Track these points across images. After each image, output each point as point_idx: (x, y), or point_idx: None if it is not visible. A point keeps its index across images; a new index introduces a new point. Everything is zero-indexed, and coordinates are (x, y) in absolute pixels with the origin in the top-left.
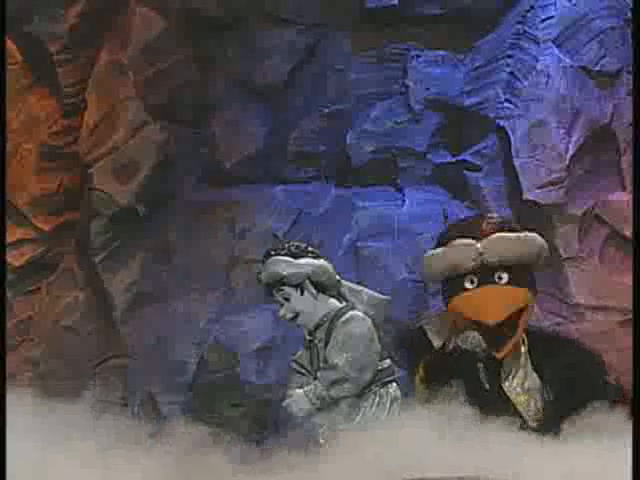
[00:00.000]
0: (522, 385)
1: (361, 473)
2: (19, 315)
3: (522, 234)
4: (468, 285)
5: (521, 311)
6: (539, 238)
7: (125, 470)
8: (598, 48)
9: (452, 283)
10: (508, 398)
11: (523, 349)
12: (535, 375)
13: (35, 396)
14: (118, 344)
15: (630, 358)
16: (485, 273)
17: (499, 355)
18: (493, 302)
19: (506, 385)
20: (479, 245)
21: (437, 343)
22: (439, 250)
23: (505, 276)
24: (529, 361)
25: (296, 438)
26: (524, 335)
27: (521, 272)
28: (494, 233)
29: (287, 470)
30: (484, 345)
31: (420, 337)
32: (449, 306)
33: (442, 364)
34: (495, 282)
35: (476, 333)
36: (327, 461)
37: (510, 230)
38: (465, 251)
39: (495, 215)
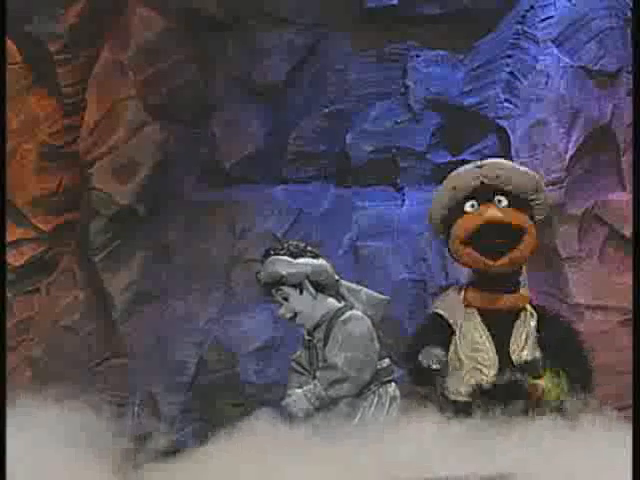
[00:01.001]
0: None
1: (361, 473)
2: (19, 315)
3: (520, 166)
4: (469, 209)
5: (522, 232)
6: (535, 174)
7: (125, 470)
8: (598, 48)
9: (454, 210)
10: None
11: (532, 323)
12: (538, 351)
13: (35, 396)
14: (118, 344)
15: (630, 358)
16: (484, 195)
17: (494, 263)
18: (494, 211)
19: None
20: (479, 162)
21: (453, 320)
22: (443, 182)
23: (504, 200)
24: (535, 337)
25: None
26: (533, 310)
27: (521, 199)
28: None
29: (287, 469)
30: (443, 364)
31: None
32: (452, 235)
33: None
34: (495, 204)
35: (439, 350)
36: (327, 461)
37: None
38: (465, 171)
39: None
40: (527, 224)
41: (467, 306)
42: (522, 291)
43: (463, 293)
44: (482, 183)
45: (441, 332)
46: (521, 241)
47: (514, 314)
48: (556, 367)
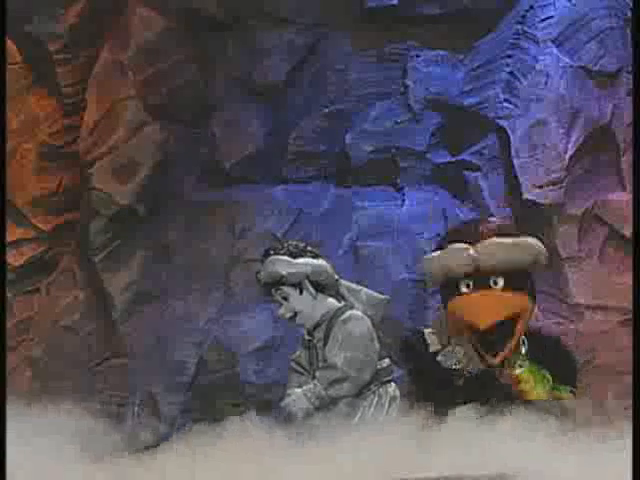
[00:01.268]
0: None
1: (360, 472)
2: (19, 315)
3: (519, 239)
4: (464, 289)
5: (518, 316)
6: (537, 243)
7: (125, 470)
8: (598, 48)
9: (449, 287)
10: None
11: (523, 350)
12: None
13: (35, 396)
14: (118, 344)
15: (630, 358)
16: (480, 277)
17: (495, 360)
18: (485, 307)
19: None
20: (472, 251)
21: (435, 347)
22: (435, 254)
23: (501, 281)
24: (527, 361)
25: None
26: (524, 336)
27: (518, 277)
28: (491, 237)
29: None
30: (465, 362)
31: (419, 341)
32: (448, 309)
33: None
34: (490, 287)
35: (459, 348)
36: (327, 460)
37: (508, 234)
38: (459, 255)
39: (494, 219)
40: (521, 307)
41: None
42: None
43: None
44: (478, 267)
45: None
46: (516, 326)
47: None
48: (534, 361)
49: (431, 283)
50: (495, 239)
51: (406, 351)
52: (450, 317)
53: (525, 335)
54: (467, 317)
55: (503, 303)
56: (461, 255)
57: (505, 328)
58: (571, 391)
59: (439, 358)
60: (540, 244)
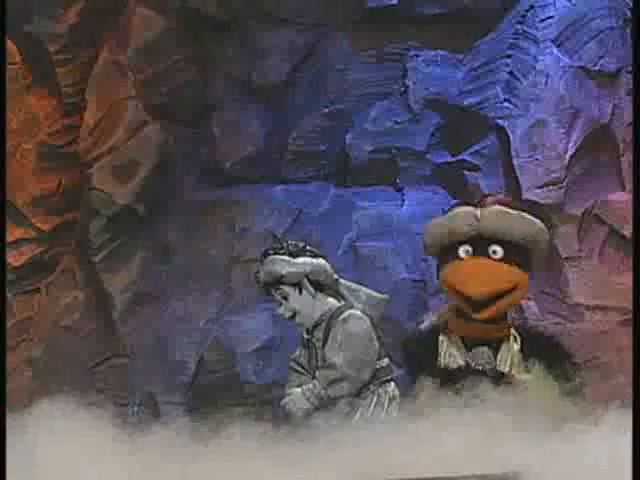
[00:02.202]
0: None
1: (360, 472)
2: (19, 315)
3: (523, 213)
4: (462, 254)
5: (513, 290)
6: (540, 223)
7: (125, 469)
8: (597, 48)
9: (447, 252)
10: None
11: (516, 347)
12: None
13: (35, 396)
14: (118, 344)
15: (630, 358)
16: (480, 244)
17: (477, 316)
18: (482, 275)
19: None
20: (478, 212)
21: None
22: (440, 217)
23: (500, 250)
24: (521, 360)
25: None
26: (516, 333)
27: (517, 250)
28: (495, 205)
29: (285, 468)
30: (494, 362)
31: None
32: (441, 275)
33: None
34: (489, 255)
35: (486, 348)
36: (327, 460)
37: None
38: (463, 216)
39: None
40: (516, 282)
41: (450, 332)
42: (505, 322)
43: (444, 319)
44: (479, 233)
45: (428, 356)
46: (509, 295)
47: (498, 341)
48: (542, 367)
49: (431, 250)
50: (500, 207)
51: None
52: (444, 281)
53: (524, 336)
54: (462, 283)
55: (500, 273)
56: (466, 216)
57: (497, 300)
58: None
59: (469, 359)
60: (543, 225)
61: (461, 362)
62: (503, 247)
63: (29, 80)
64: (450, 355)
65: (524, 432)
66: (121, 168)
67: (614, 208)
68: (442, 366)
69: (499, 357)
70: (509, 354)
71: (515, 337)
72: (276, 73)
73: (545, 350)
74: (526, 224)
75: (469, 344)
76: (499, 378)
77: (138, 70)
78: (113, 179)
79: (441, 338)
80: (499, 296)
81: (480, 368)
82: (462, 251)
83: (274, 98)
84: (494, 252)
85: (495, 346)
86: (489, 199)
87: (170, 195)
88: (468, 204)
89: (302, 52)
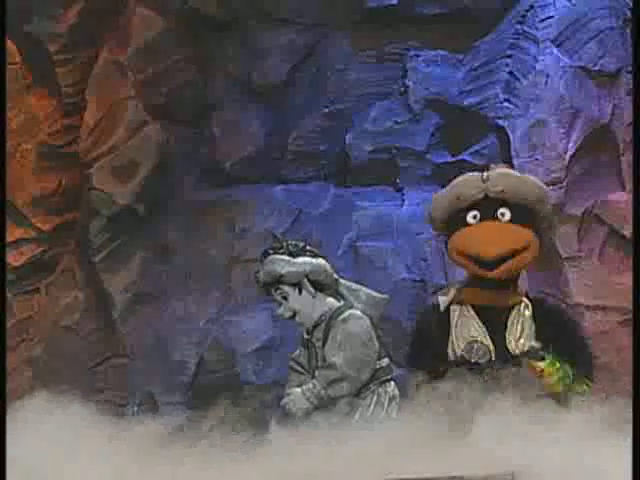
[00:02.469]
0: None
1: (360, 472)
2: (19, 315)
3: (526, 176)
4: (470, 220)
5: (524, 250)
6: (543, 185)
7: (124, 469)
8: (597, 48)
9: (455, 219)
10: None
11: (527, 313)
12: (534, 341)
13: (35, 396)
14: (118, 344)
15: (630, 358)
16: (487, 208)
17: (491, 274)
18: (493, 236)
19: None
20: (484, 174)
21: (444, 305)
22: (446, 187)
23: (507, 213)
24: (532, 326)
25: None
26: (528, 301)
27: (524, 211)
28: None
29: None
30: (489, 356)
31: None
32: (449, 244)
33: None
34: (497, 218)
35: (481, 344)
36: (326, 460)
37: None
38: (469, 180)
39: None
40: (526, 242)
41: (462, 303)
42: (518, 290)
43: (460, 292)
44: (486, 195)
45: (441, 328)
46: (519, 256)
47: (509, 308)
48: (556, 354)
49: (438, 223)
50: (505, 169)
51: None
52: (455, 248)
53: (534, 306)
54: (474, 247)
55: (510, 234)
56: (472, 180)
57: (506, 257)
58: (587, 384)
59: (463, 352)
60: (544, 186)
61: (474, 333)
62: (510, 210)
63: (29, 80)
64: (462, 324)
65: (525, 432)
66: (121, 168)
67: (614, 208)
68: (454, 339)
69: (509, 323)
70: (519, 320)
71: (527, 305)
72: (276, 73)
73: (557, 322)
74: (531, 184)
75: (482, 315)
76: (507, 360)
77: (138, 70)
78: (113, 179)
79: (453, 307)
80: (512, 255)
81: (476, 361)
82: (470, 217)
83: (274, 98)
84: (502, 214)
85: (506, 315)
86: (492, 165)
87: (170, 195)
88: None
89: (302, 52)
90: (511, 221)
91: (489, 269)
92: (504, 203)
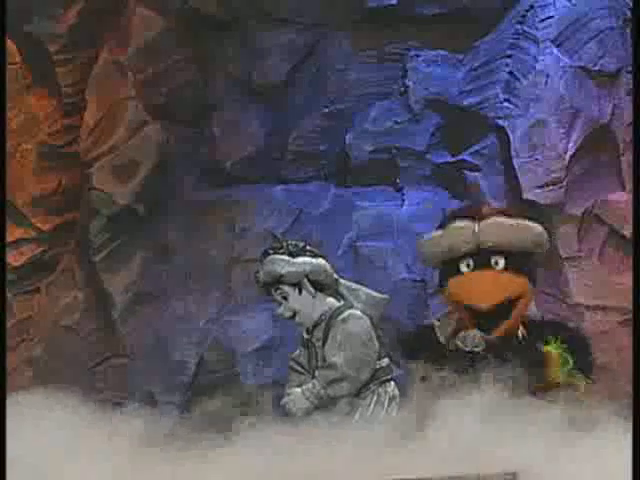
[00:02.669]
0: None
1: (360, 472)
2: (19, 315)
3: (520, 221)
4: (464, 269)
5: (518, 298)
6: (538, 227)
7: (124, 469)
8: (597, 48)
9: (448, 267)
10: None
11: (519, 333)
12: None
13: (35, 396)
14: (118, 344)
15: (630, 358)
16: (481, 257)
17: (487, 338)
18: (487, 286)
19: None
20: (475, 226)
21: (443, 340)
22: (436, 233)
23: (502, 261)
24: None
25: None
26: (522, 326)
27: (519, 258)
28: (492, 216)
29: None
30: (484, 345)
31: (425, 334)
32: (444, 291)
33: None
34: (491, 267)
35: (476, 332)
36: (326, 460)
37: (509, 216)
38: (461, 232)
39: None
40: (521, 290)
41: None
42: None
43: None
44: (478, 247)
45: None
46: (515, 308)
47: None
48: (559, 341)
49: (430, 263)
50: (497, 218)
51: (419, 342)
52: (449, 297)
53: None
54: (468, 296)
55: (505, 283)
56: (462, 231)
57: (504, 310)
58: (587, 377)
59: (457, 342)
60: (541, 228)
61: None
62: (505, 257)
63: (29, 80)
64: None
65: (525, 432)
66: (121, 168)
67: (614, 208)
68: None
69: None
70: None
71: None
72: (276, 73)
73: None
74: (525, 232)
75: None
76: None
77: (138, 70)
78: (113, 179)
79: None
80: (506, 308)
81: (470, 350)
82: (464, 266)
83: (274, 98)
84: (496, 263)
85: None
86: (485, 210)
87: (170, 195)
88: (465, 217)
89: (302, 52)
90: (506, 268)
91: (487, 328)
92: (498, 253)
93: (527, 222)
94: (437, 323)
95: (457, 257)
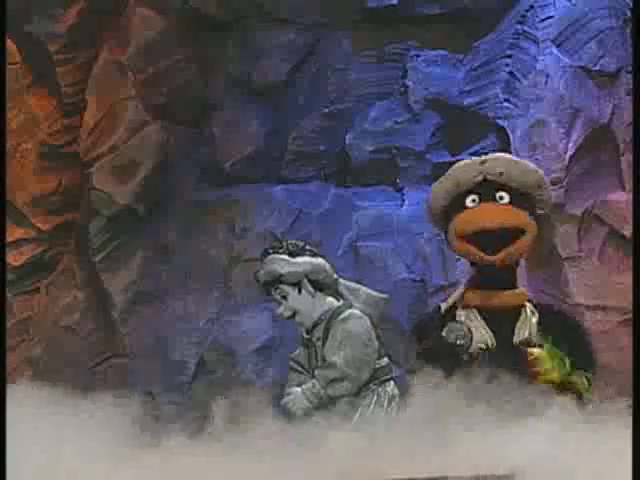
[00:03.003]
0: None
1: (360, 472)
2: (19, 315)
3: (524, 161)
4: (469, 204)
5: (522, 232)
6: (540, 170)
7: (125, 469)
8: (597, 48)
9: (454, 204)
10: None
11: (534, 320)
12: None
13: (34, 396)
14: (117, 344)
15: (630, 358)
16: (486, 192)
17: (492, 259)
18: (494, 211)
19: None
20: (482, 157)
21: (445, 307)
22: (443, 176)
23: (506, 196)
24: (536, 331)
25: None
26: (534, 308)
27: (523, 197)
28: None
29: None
30: (470, 336)
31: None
32: (450, 231)
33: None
34: (496, 201)
35: (462, 325)
36: (326, 460)
37: None
38: (467, 165)
39: None
40: (526, 223)
41: (466, 307)
42: (520, 290)
43: (463, 294)
44: (484, 179)
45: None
46: (519, 239)
47: (515, 313)
48: (555, 343)
49: (436, 214)
50: (503, 154)
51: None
52: (455, 230)
53: (540, 312)
54: (475, 223)
55: (510, 212)
56: (470, 165)
57: (509, 236)
58: (587, 378)
59: (443, 333)
60: (542, 173)
61: (480, 339)
62: (509, 194)
63: (29, 80)
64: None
65: (525, 431)
66: (121, 168)
67: (614, 208)
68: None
69: (517, 328)
70: (527, 326)
71: (532, 311)
72: (276, 73)
73: (564, 328)
74: (529, 169)
75: (490, 322)
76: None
77: (138, 70)
78: (113, 179)
79: (459, 312)
80: (511, 235)
81: (455, 342)
82: (469, 201)
83: (274, 98)
84: (501, 198)
85: (513, 321)
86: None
87: (170, 195)
88: None
89: (302, 52)
90: (510, 204)
91: (489, 250)
92: (502, 187)
93: (531, 164)
94: (443, 305)
95: (463, 192)
